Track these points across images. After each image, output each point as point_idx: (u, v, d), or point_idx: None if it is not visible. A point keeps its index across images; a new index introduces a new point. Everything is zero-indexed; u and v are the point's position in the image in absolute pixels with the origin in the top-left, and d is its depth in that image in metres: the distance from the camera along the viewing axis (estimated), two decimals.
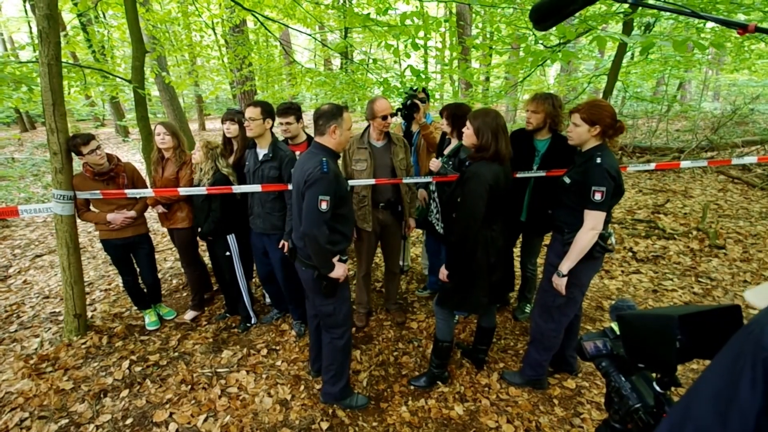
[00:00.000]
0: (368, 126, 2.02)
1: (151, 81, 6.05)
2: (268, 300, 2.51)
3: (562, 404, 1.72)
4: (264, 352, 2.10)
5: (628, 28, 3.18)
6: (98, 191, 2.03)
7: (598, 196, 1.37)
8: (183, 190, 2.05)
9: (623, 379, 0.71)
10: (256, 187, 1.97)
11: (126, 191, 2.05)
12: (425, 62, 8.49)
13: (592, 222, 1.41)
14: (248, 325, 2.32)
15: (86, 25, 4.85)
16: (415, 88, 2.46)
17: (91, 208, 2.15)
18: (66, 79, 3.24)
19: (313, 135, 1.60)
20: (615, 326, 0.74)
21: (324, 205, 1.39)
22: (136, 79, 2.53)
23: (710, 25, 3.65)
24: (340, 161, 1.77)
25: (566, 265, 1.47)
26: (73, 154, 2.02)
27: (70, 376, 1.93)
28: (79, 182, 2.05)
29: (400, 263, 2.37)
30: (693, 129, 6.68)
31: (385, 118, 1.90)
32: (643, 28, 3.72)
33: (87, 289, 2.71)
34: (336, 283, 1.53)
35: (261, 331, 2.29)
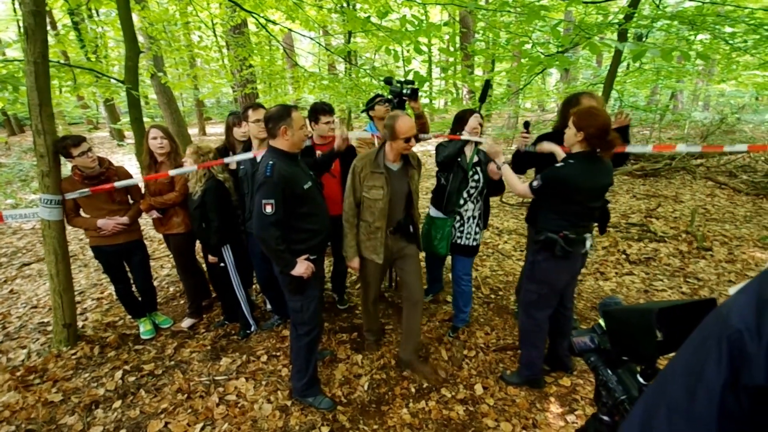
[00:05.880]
0: (383, 145, 1.71)
1: (148, 83, 5.97)
2: (268, 306, 2.46)
3: (558, 401, 1.76)
4: (264, 358, 2.06)
5: (622, 38, 3.29)
6: (87, 189, 1.96)
7: (535, 183, 1.56)
8: (173, 172, 2.00)
9: (610, 372, 0.73)
10: (249, 155, 1.96)
11: (114, 184, 1.99)
12: (429, 69, 8.55)
13: (523, 192, 1.63)
14: (248, 332, 2.27)
15: (78, 23, 4.77)
16: (405, 79, 2.23)
17: (82, 213, 2.07)
18: (56, 79, 3.11)
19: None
20: (603, 322, 0.76)
21: (269, 209, 1.42)
22: (129, 80, 2.47)
23: (699, 37, 3.79)
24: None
25: (500, 161, 1.70)
26: (61, 158, 1.94)
27: (60, 388, 1.86)
28: (67, 186, 1.97)
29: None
30: (684, 137, 6.89)
31: (408, 140, 1.61)
32: (635, 38, 3.85)
33: (78, 298, 2.63)
34: (300, 281, 1.54)
35: (261, 337, 2.24)
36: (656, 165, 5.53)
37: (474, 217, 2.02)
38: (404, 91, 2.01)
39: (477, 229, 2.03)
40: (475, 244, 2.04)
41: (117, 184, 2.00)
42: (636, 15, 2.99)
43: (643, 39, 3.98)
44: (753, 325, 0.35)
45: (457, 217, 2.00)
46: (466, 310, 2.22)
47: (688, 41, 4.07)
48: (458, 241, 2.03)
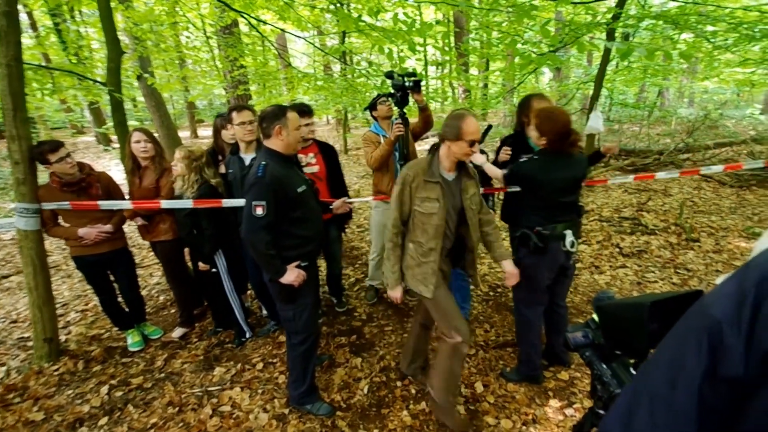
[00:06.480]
0: (436, 151, 1.47)
1: (136, 85, 5.81)
2: (264, 312, 2.39)
3: (557, 396, 1.76)
4: (260, 366, 1.99)
5: (610, 38, 3.36)
6: (67, 202, 1.86)
7: (506, 172, 1.66)
8: (166, 203, 1.89)
9: (604, 366, 0.73)
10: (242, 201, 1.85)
11: (99, 203, 1.89)
12: (425, 69, 8.60)
13: (498, 175, 1.71)
14: (243, 339, 2.20)
15: (59, 24, 4.62)
16: (407, 72, 2.12)
17: (61, 222, 1.96)
18: (34, 82, 3.01)
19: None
20: (596, 317, 0.77)
21: (259, 211, 1.36)
22: (111, 82, 2.39)
23: (683, 36, 3.90)
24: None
25: (481, 162, 1.73)
26: (38, 164, 1.85)
27: (41, 406, 1.77)
28: (45, 194, 1.87)
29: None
30: (671, 133, 7.10)
31: (472, 144, 1.38)
32: (623, 38, 3.95)
33: (61, 311, 2.52)
34: (291, 289, 1.48)
35: (257, 344, 2.18)
36: (646, 160, 5.68)
37: None
38: (407, 83, 1.92)
39: None
40: None
41: (102, 203, 1.90)
42: (623, 15, 3.06)
43: (630, 38, 4.07)
44: (733, 317, 0.35)
45: None
46: (465, 306, 2.20)
47: (673, 40, 4.19)
48: None
